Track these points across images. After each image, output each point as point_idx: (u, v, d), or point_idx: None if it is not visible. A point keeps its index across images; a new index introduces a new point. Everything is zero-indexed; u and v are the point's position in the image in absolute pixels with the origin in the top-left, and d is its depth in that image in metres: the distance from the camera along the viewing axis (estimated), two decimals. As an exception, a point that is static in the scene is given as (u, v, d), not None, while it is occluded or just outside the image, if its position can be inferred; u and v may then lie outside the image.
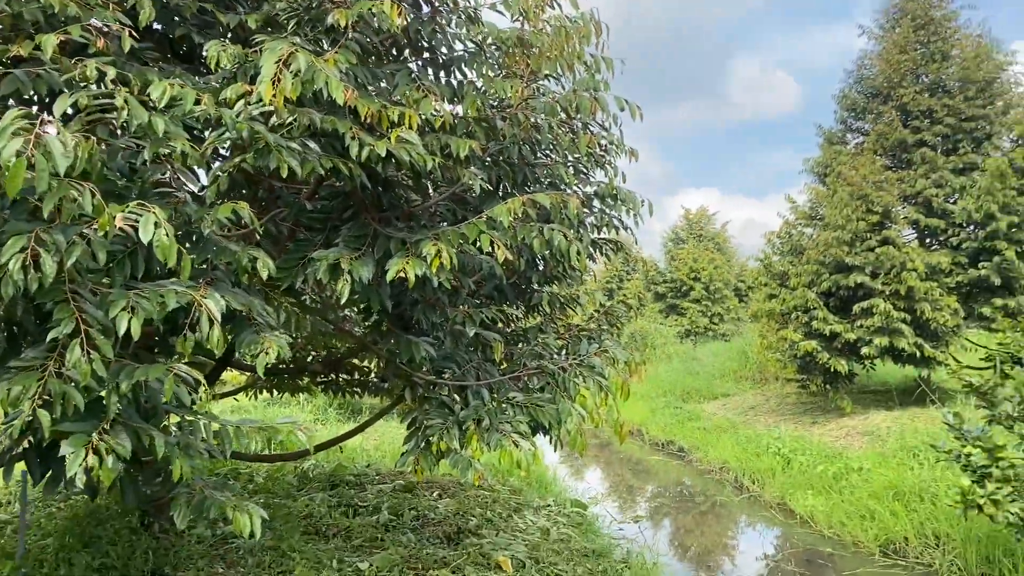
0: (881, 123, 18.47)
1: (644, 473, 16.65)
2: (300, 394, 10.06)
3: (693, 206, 45.86)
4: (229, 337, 4.45)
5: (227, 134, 4.19)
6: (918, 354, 15.98)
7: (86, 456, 3.35)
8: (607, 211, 6.27)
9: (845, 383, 17.62)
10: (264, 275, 4.13)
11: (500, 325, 6.76)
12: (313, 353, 9.61)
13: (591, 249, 6.38)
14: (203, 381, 3.63)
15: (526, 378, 6.02)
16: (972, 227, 17.16)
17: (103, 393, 3.56)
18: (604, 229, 6.36)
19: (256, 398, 10.66)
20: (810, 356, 16.78)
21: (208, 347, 3.66)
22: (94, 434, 3.45)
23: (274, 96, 3.94)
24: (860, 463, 12.73)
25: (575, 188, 5.93)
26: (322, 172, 4.31)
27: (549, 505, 10.19)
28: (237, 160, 4.45)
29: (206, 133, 4.47)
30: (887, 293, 15.97)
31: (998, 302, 16.31)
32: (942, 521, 9.74)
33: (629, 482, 15.93)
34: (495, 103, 5.25)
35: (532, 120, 5.13)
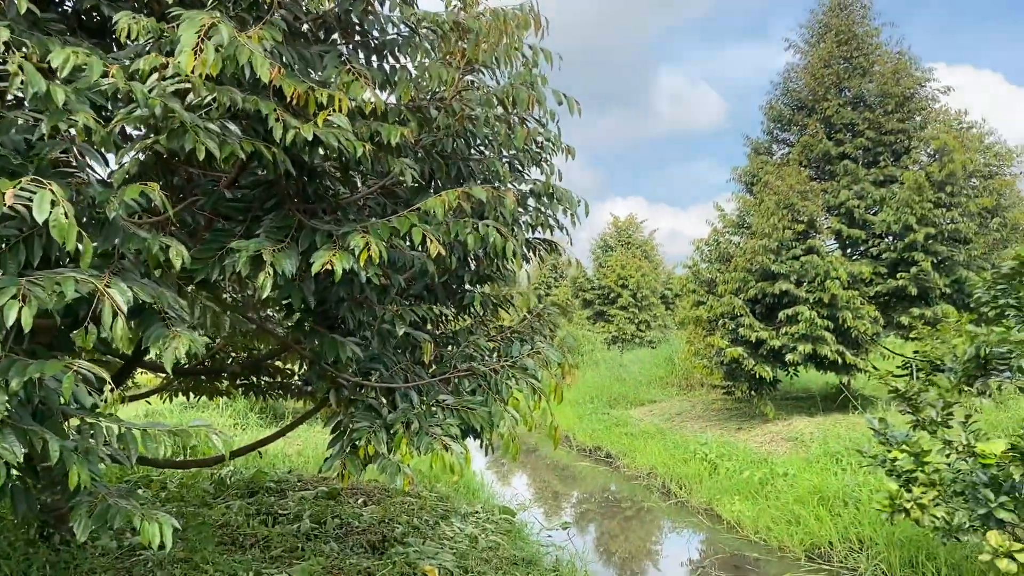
0: (806, 135, 18.86)
1: (571, 479, 16.57)
2: (219, 398, 9.62)
3: (621, 214, 46.33)
4: (137, 332, 4.12)
5: (138, 111, 3.86)
6: (840, 361, 16.32)
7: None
8: (543, 210, 6.10)
9: (769, 390, 17.90)
10: (177, 265, 3.81)
11: (430, 326, 6.52)
12: (233, 354, 9.20)
13: (525, 249, 6.20)
14: (108, 380, 3.29)
15: (456, 380, 5.79)
16: (891, 238, 17.63)
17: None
18: (539, 228, 6.19)
19: (171, 401, 10.16)
20: (736, 362, 16.98)
21: (112, 342, 3.34)
22: (-23, 437, 3.10)
23: (194, 69, 3.63)
24: (785, 468, 12.88)
25: (510, 184, 5.74)
26: (243, 157, 4.01)
27: (477, 512, 9.96)
28: (149, 141, 4.12)
29: (116, 111, 4.12)
30: (811, 301, 16.27)
31: (915, 311, 16.79)
32: (865, 525, 9.87)
33: (556, 488, 15.82)
34: (429, 95, 5.02)
35: (468, 111, 4.92)
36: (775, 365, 16.92)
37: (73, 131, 3.60)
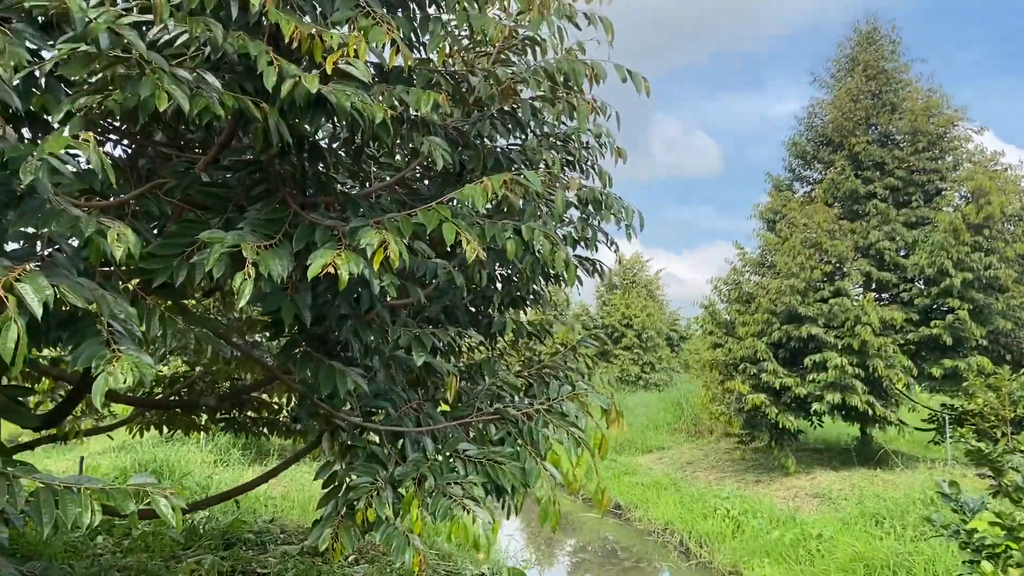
0: (832, 172, 17.95)
1: (579, 532, 15.29)
2: (198, 433, 8.46)
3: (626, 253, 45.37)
4: (64, 349, 3.05)
5: (81, 47, 2.80)
6: (869, 412, 15.20)
7: None
8: (590, 220, 5.03)
9: (791, 440, 16.73)
10: (119, 254, 2.72)
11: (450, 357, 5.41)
12: (216, 385, 8.05)
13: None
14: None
15: (481, 426, 4.67)
16: (924, 283, 16.62)
17: None
18: (585, 244, 5.12)
19: (142, 435, 8.98)
20: (757, 410, 15.84)
21: (4, 358, 2.24)
22: None
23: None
24: (818, 529, 11.68)
25: (563, 177, 4.66)
26: (221, 115, 2.94)
27: (483, 574, 8.75)
28: (99, 96, 3.06)
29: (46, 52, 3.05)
30: (840, 347, 15.19)
31: (947, 362, 15.72)
32: (925, 603, 8.69)
33: (562, 543, 14.54)
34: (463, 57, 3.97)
35: (515, 79, 3.87)
36: (799, 414, 15.80)
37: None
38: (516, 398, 4.89)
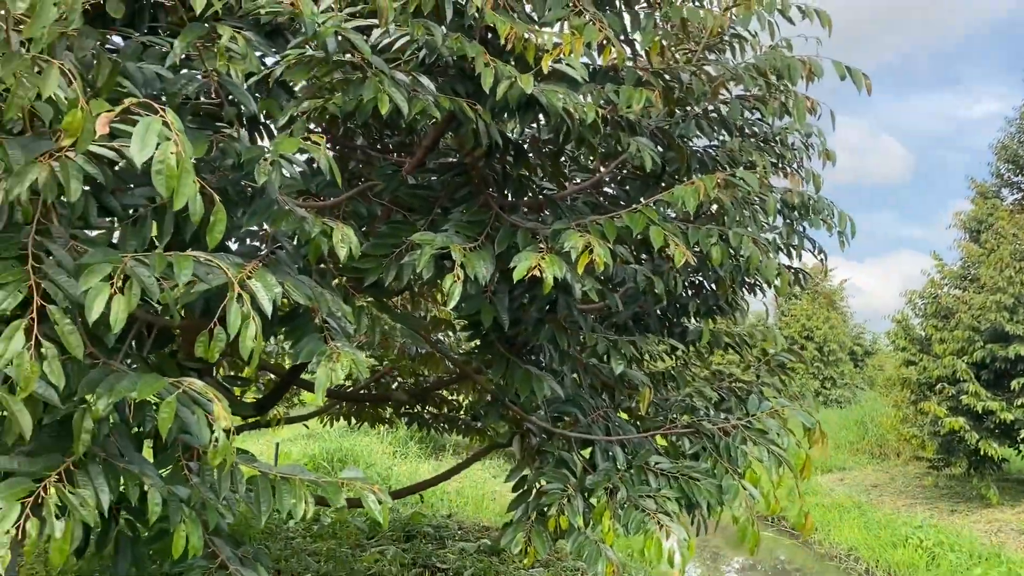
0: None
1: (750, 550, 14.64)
2: (381, 425, 8.78)
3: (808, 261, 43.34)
4: (285, 345, 3.17)
5: (308, 52, 2.90)
6: (1091, 444, 13.65)
7: (21, 519, 2.03)
8: (795, 225, 4.74)
9: (994, 469, 15.31)
10: (342, 254, 2.79)
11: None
12: (399, 380, 8.32)
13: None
14: (222, 406, 2.26)
15: (674, 439, 4.50)
16: None
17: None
18: (788, 251, 4.84)
19: (332, 425, 9.44)
20: (955, 435, 14.60)
21: (242, 353, 2.33)
22: (47, 480, 2.14)
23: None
24: (1030, 570, 10.59)
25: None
26: (437, 117, 2.96)
27: (661, 587, 8.52)
28: (320, 100, 3.17)
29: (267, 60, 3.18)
30: (1055, 370, 13.74)
31: None
32: None
33: (732, 559, 13.99)
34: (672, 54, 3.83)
35: (727, 76, 3.69)
36: (1003, 441, 14.43)
37: (220, 66, 2.66)
38: (711, 411, 4.68)
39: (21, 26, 2.09)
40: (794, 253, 4.83)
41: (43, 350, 2.00)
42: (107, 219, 2.61)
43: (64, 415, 2.24)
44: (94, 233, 2.67)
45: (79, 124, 1.85)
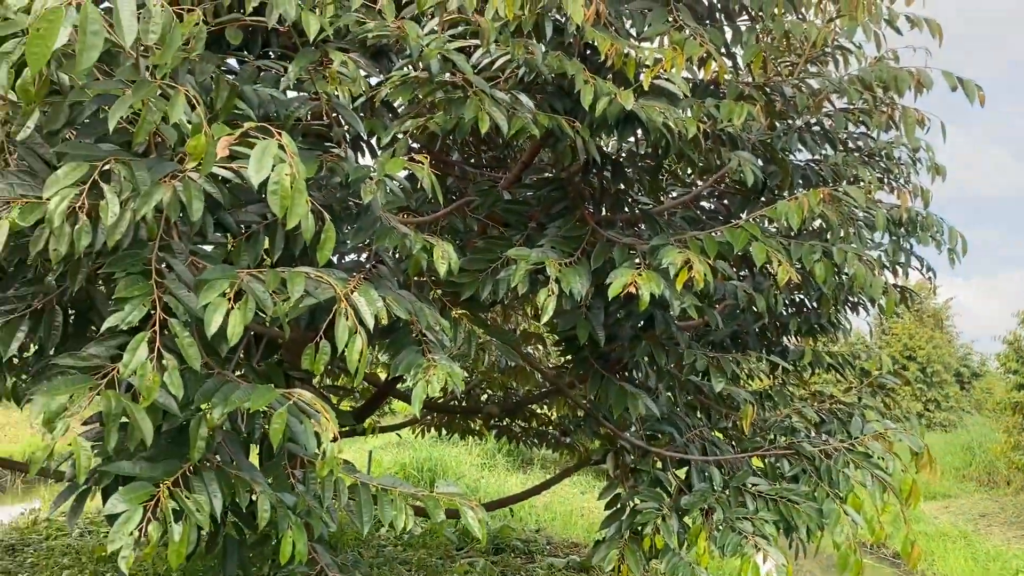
0: None
1: (849, 577, 14.10)
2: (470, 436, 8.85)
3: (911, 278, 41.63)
4: (381, 355, 3.23)
5: (412, 74, 2.97)
6: None
7: (143, 521, 2.13)
8: (903, 242, 4.57)
9: (1117, 502, 14.36)
10: (442, 270, 2.84)
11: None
12: (488, 392, 8.38)
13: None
14: (326, 412, 2.32)
15: (773, 460, 4.38)
16: None
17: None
18: (894, 269, 4.67)
19: (423, 436, 9.56)
20: (1074, 463, 13.78)
21: (348, 366, 2.39)
22: (164, 484, 2.24)
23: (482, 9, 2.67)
24: None
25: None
26: (536, 133, 2.99)
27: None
28: (422, 120, 3.24)
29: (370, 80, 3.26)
30: None
31: None
32: None
33: (830, 586, 13.49)
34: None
35: (826, 88, 3.60)
36: None
37: (330, 89, 2.76)
38: (812, 433, 4.54)
39: (146, 51, 2.22)
40: (900, 271, 4.65)
41: (164, 361, 2.11)
42: (222, 235, 2.73)
43: (181, 423, 2.34)
44: (209, 248, 2.79)
45: (203, 148, 1.95)
